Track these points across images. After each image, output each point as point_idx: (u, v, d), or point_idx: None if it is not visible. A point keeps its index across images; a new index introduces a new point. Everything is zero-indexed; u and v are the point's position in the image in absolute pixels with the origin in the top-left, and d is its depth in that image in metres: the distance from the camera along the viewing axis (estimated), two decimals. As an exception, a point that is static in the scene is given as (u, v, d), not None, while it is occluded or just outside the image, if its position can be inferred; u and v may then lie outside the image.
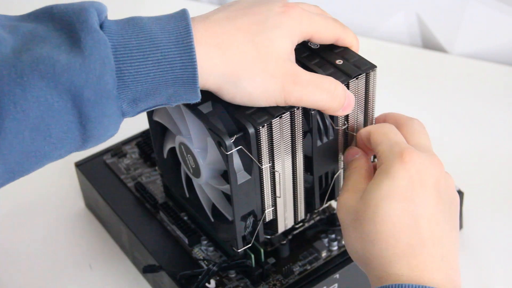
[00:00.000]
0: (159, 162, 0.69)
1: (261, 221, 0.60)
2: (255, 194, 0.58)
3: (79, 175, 0.79)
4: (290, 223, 0.63)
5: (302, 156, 0.59)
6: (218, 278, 0.66)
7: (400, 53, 1.00)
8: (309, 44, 0.60)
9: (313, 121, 0.58)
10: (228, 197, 0.63)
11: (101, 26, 0.50)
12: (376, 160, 0.58)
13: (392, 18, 1.01)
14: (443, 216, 0.53)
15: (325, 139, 0.60)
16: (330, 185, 0.63)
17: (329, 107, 0.56)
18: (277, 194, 0.60)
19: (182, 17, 0.51)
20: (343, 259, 0.67)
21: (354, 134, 0.60)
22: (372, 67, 0.58)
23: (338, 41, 0.59)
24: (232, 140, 0.55)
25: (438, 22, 0.99)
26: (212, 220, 0.65)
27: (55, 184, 0.83)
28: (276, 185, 0.59)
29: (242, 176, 0.57)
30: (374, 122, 0.62)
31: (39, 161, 0.50)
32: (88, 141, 0.51)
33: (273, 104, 0.55)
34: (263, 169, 0.57)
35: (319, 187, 0.63)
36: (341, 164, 0.63)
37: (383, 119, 0.61)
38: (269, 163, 0.57)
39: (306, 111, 0.57)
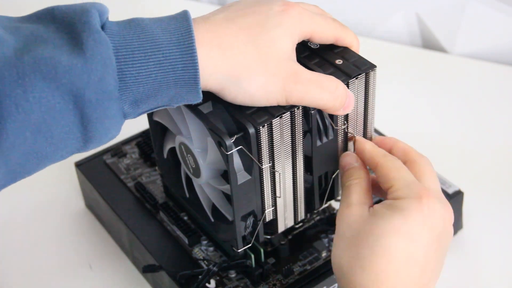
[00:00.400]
0: (159, 162, 0.69)
1: (261, 221, 0.60)
2: (255, 194, 0.58)
3: (79, 175, 0.79)
4: (290, 223, 0.63)
5: (302, 156, 0.59)
6: (218, 278, 0.66)
7: (400, 53, 1.00)
8: (309, 44, 0.60)
9: (313, 121, 0.58)
10: (228, 197, 0.63)
11: (102, 27, 0.49)
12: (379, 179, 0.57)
13: (392, 18, 1.01)
14: (435, 263, 0.54)
15: (324, 139, 0.60)
16: (330, 185, 0.63)
17: (330, 106, 0.56)
18: (277, 194, 0.60)
19: (183, 18, 0.51)
20: (343, 259, 0.67)
21: (354, 134, 0.60)
22: (372, 67, 0.58)
23: (338, 41, 0.59)
24: (232, 140, 0.55)
25: (438, 22, 0.99)
26: (212, 220, 0.65)
27: (55, 184, 0.83)
28: (276, 185, 0.59)
29: (242, 176, 0.57)
30: (373, 130, 0.62)
31: (40, 162, 0.50)
32: (89, 142, 0.51)
33: (274, 103, 0.55)
34: (263, 169, 0.57)
35: (319, 187, 0.63)
36: (341, 165, 0.63)
37: (389, 147, 0.60)
38: (269, 163, 0.57)
39: (306, 111, 0.57)
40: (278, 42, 0.54)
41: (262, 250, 0.65)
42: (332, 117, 0.59)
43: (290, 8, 0.55)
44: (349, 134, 0.61)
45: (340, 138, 0.60)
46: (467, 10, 0.96)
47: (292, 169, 0.59)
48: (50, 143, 0.49)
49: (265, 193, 0.59)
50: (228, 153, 0.54)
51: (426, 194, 0.54)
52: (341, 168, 0.60)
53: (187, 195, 0.68)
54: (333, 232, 0.69)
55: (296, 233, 0.69)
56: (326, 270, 0.66)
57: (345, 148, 0.61)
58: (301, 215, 0.63)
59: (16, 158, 0.48)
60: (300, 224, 0.69)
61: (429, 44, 1.01)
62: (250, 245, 0.61)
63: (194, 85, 0.51)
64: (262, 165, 0.57)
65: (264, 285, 0.65)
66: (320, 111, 0.58)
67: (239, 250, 0.61)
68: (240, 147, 0.55)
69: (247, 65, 0.53)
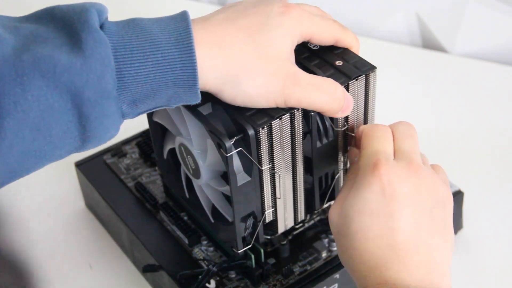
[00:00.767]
0: (159, 162, 0.69)
1: (261, 222, 0.60)
2: (255, 195, 0.58)
3: (79, 175, 0.79)
4: (290, 223, 0.63)
5: (302, 157, 0.59)
6: (218, 278, 0.66)
7: (400, 53, 1.00)
8: (308, 45, 0.60)
9: (312, 122, 0.58)
10: (228, 198, 0.63)
11: (101, 27, 0.49)
12: None
13: (392, 18, 1.01)
14: (421, 224, 0.53)
15: (324, 140, 0.60)
16: (330, 186, 0.63)
17: (328, 109, 0.56)
18: (277, 195, 0.60)
19: (182, 18, 0.51)
20: (343, 259, 0.67)
21: (354, 135, 0.60)
22: (372, 68, 0.58)
23: (338, 42, 0.59)
24: (232, 142, 0.55)
25: (438, 22, 0.99)
26: (212, 221, 0.65)
27: (55, 184, 0.83)
28: (276, 186, 0.59)
29: (242, 178, 0.57)
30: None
31: (39, 161, 0.50)
32: (87, 142, 0.51)
33: (273, 105, 0.55)
34: (263, 171, 0.57)
35: (319, 188, 0.63)
36: (341, 165, 0.63)
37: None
38: (269, 164, 0.57)
39: (305, 113, 0.57)
40: (278, 43, 0.54)
41: (262, 251, 0.65)
42: (332, 118, 0.59)
43: (290, 9, 0.55)
44: (349, 135, 0.61)
45: (340, 139, 0.60)
46: (467, 10, 0.96)
47: (292, 171, 0.59)
48: (48, 141, 0.49)
49: (265, 194, 0.59)
50: (228, 155, 0.54)
51: (381, 162, 0.53)
52: (350, 163, 0.61)
53: (187, 196, 0.68)
54: (333, 232, 0.69)
55: (296, 234, 0.69)
56: (326, 270, 0.66)
57: (345, 149, 0.61)
58: (301, 215, 0.63)
59: (14, 157, 0.48)
60: (300, 224, 0.69)
61: (429, 44, 1.01)
62: (250, 246, 0.61)
63: (192, 85, 0.51)
64: (262, 167, 0.57)
65: (264, 286, 0.65)
66: (319, 113, 0.58)
67: (239, 251, 0.61)
68: (240, 148, 0.55)
69: (246, 65, 0.53)
